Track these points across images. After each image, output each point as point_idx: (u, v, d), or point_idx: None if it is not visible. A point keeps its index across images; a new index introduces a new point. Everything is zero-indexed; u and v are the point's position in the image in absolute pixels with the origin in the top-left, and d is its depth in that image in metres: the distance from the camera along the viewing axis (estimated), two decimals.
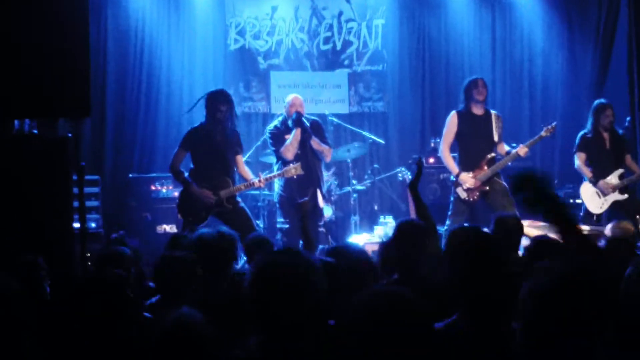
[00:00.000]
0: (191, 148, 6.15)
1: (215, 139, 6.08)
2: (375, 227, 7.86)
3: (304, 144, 6.53)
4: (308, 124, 6.59)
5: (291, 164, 6.32)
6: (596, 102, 7.12)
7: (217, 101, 6.11)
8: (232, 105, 6.19)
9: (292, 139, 6.49)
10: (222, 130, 6.09)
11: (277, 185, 6.74)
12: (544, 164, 9.00)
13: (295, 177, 6.34)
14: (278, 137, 6.60)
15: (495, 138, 6.60)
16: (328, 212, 7.21)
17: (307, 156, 6.54)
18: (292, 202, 6.45)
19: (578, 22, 9.32)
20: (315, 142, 6.58)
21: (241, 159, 6.34)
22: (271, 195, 7.33)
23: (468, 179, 6.45)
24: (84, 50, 4.34)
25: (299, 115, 6.53)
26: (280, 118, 6.81)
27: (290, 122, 6.57)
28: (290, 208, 6.52)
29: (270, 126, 6.83)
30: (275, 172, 6.48)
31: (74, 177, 4.62)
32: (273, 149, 6.67)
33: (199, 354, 2.14)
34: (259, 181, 6.22)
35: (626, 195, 6.85)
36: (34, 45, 4.19)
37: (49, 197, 4.36)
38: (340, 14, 9.28)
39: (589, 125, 7.01)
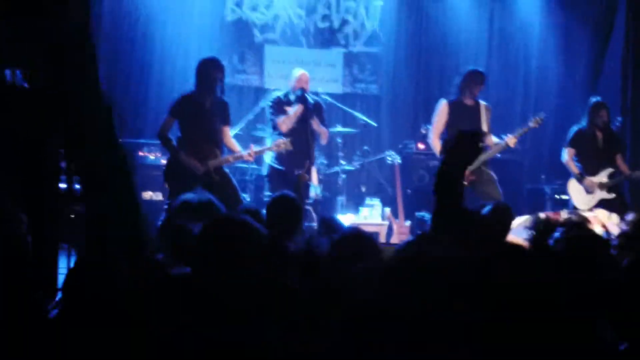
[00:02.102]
0: (180, 116, 6.04)
1: (205, 108, 6.00)
2: (361, 208, 7.86)
3: (304, 121, 6.52)
4: (312, 102, 6.60)
5: (281, 139, 6.30)
6: (593, 99, 7.13)
7: (212, 68, 6.01)
8: (224, 74, 6.12)
9: (292, 113, 6.50)
10: (212, 100, 6.03)
11: (269, 157, 6.70)
12: (533, 159, 9.02)
13: (284, 152, 6.31)
14: (279, 108, 6.62)
15: (484, 128, 6.60)
16: (316, 190, 7.19)
17: (306, 133, 6.52)
18: (284, 175, 6.44)
19: (575, 19, 9.31)
20: (315, 122, 6.59)
21: (229, 130, 6.28)
22: (259, 170, 7.30)
23: None
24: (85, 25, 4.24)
25: (303, 91, 6.53)
26: (284, 91, 6.80)
27: (293, 97, 6.57)
28: (280, 182, 6.48)
29: (273, 95, 6.85)
30: (265, 147, 6.45)
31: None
32: (271, 117, 6.67)
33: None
34: (249, 154, 6.16)
35: (614, 195, 6.89)
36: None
37: (37, 155, 4.29)
38: None
39: (584, 122, 7.03)
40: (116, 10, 8.40)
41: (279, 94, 6.81)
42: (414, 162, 8.34)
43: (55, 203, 4.43)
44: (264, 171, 6.86)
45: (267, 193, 6.67)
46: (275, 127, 6.63)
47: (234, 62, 8.93)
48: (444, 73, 9.22)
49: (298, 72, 6.76)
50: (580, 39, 9.18)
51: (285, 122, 6.50)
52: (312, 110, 6.58)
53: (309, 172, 6.59)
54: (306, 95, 6.55)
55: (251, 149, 6.18)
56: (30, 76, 4.68)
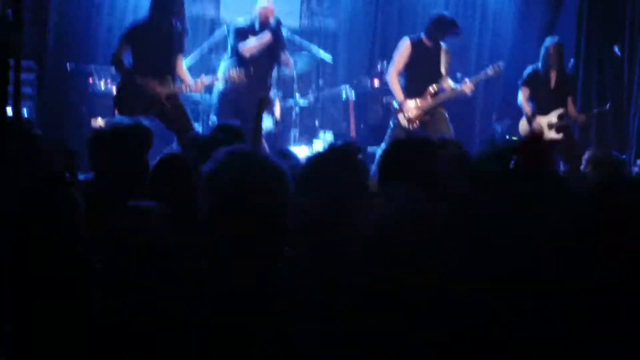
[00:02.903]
0: (133, 42, 5.93)
1: (159, 35, 5.89)
2: (314, 140, 7.88)
3: (272, 51, 6.46)
4: (284, 35, 6.59)
5: (234, 69, 6.21)
6: (548, 39, 7.17)
7: None
8: (182, 3, 6.01)
9: (260, 40, 6.44)
10: (168, 27, 5.91)
11: (221, 83, 6.58)
12: (486, 98, 9.09)
13: (248, 82, 6.24)
14: (242, 35, 6.53)
15: (442, 71, 6.63)
16: (268, 122, 7.16)
17: (271, 63, 6.49)
18: (236, 104, 6.38)
19: None
20: (284, 54, 6.58)
21: (181, 60, 6.18)
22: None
23: (411, 108, 6.49)
24: None
25: (279, 23, 6.48)
26: (248, 21, 6.68)
27: (257, 26, 6.50)
28: (230, 109, 6.43)
29: (238, 22, 6.74)
30: (217, 75, 6.36)
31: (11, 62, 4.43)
32: (232, 43, 6.57)
33: None
34: (199, 83, 6.09)
35: (561, 135, 7.00)
36: None
37: None
38: None
39: (539, 63, 7.08)
40: None
41: (241, 23, 6.70)
42: (368, 97, 8.36)
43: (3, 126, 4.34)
44: (215, 97, 6.73)
45: (213, 118, 6.60)
46: (235, 53, 6.51)
47: None
48: (402, 10, 9.19)
49: (264, 1, 6.66)
50: None
51: (250, 49, 6.43)
52: (283, 40, 6.55)
53: (272, 103, 6.57)
54: (282, 27, 6.52)
55: (202, 79, 6.11)
56: None
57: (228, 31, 6.71)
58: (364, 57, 9.22)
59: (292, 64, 6.78)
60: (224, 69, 6.47)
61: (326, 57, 8.10)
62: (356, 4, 9.25)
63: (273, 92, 7.29)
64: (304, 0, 9.11)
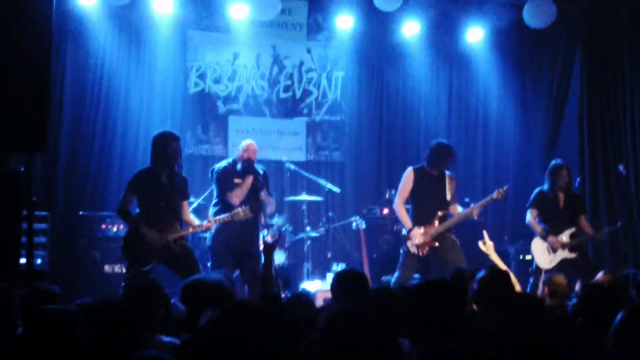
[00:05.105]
0: (138, 191, 5.98)
1: (162, 182, 5.97)
2: (327, 274, 7.83)
3: (254, 192, 6.42)
4: (260, 172, 6.49)
5: (240, 207, 6.20)
6: (553, 162, 7.26)
7: (167, 143, 5.97)
8: (180, 148, 6.07)
9: (244, 185, 6.33)
10: (170, 174, 6.01)
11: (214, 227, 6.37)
12: (496, 220, 9.12)
13: (240, 221, 6.21)
14: (226, 179, 6.40)
15: (448, 197, 6.68)
16: (280, 257, 7.16)
17: (256, 204, 6.42)
18: (228, 248, 6.32)
19: (532, 83, 9.57)
20: (264, 193, 6.45)
21: (187, 205, 6.24)
22: None
23: (419, 235, 6.51)
24: (45, 83, 4.27)
25: (250, 161, 6.38)
26: (230, 160, 6.59)
27: (239, 167, 6.41)
28: (225, 255, 6.36)
29: (219, 165, 6.58)
30: (224, 215, 6.20)
31: (24, 213, 4.51)
32: (217, 189, 6.44)
33: None
34: (209, 222, 6.11)
35: (575, 254, 6.96)
36: None
37: None
38: (301, 64, 9.39)
39: (545, 185, 7.15)
40: (78, 84, 8.43)
41: (224, 164, 6.57)
42: (378, 226, 8.39)
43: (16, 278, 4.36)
44: (208, 242, 6.54)
45: (209, 265, 6.44)
46: (220, 201, 6.40)
47: (197, 132, 8.99)
48: (405, 138, 9.43)
49: (245, 142, 6.55)
50: (536, 101, 9.43)
51: (237, 195, 6.32)
52: (261, 180, 6.51)
53: (281, 241, 6.48)
54: (256, 166, 6.43)
55: (209, 219, 6.14)
56: None
57: (211, 176, 6.56)
58: (371, 187, 9.35)
59: (274, 203, 6.64)
60: (213, 216, 6.34)
61: (334, 188, 8.21)
62: (360, 135, 9.49)
63: (282, 229, 7.28)
64: (310, 135, 9.34)
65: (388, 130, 9.53)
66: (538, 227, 7.09)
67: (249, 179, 6.36)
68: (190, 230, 6.11)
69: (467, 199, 7.71)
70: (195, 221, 6.13)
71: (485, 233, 6.05)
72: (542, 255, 7.03)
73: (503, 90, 9.64)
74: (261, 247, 6.06)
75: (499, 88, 9.65)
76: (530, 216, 7.15)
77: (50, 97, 4.29)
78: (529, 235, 7.30)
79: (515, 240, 8.46)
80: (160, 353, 2.57)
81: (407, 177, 6.71)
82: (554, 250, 6.98)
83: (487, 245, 5.98)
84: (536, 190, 7.21)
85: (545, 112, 9.18)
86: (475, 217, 6.60)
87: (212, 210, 6.47)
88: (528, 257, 7.49)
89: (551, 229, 7.04)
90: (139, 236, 5.88)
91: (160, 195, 5.95)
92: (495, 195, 6.67)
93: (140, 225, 5.89)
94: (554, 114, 9.03)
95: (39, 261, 7.05)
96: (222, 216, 6.20)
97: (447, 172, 6.76)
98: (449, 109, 9.71)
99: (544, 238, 7.02)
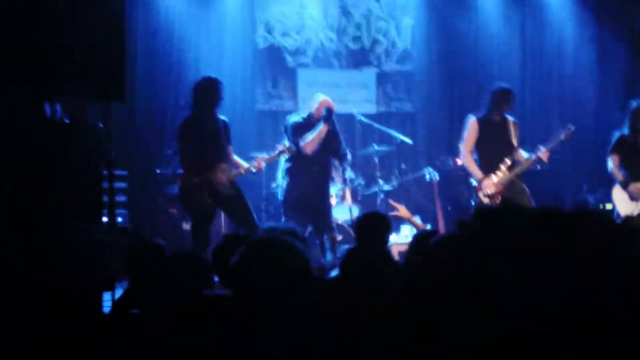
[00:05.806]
0: (187, 136, 6.01)
1: (209, 126, 5.99)
2: (402, 226, 7.81)
3: (326, 143, 6.42)
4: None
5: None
6: (633, 103, 6.97)
7: (217, 88, 6.01)
8: (222, 93, 6.08)
9: (316, 134, 6.31)
10: (213, 118, 6.03)
11: (284, 182, 6.53)
12: (574, 168, 8.89)
13: (312, 176, 6.25)
14: (299, 130, 6.41)
15: (514, 143, 6.54)
16: (355, 211, 7.16)
17: (327, 155, 6.46)
18: (301, 201, 6.36)
19: (609, 24, 9.21)
20: (339, 144, 6.47)
21: (231, 150, 6.23)
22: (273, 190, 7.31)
23: (490, 185, 6.40)
24: (120, 32, 4.24)
25: (331, 111, 6.37)
26: (305, 114, 6.57)
27: (323, 114, 6.35)
28: (297, 209, 6.40)
29: (293, 119, 6.58)
30: (273, 154, 6.23)
31: (104, 172, 4.58)
32: (291, 139, 6.42)
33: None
34: (258, 163, 6.11)
35: None
36: (69, 25, 4.08)
37: (78, 190, 4.30)
38: (369, 13, 9.23)
39: (626, 127, 6.88)
40: (150, 44, 8.53)
41: (297, 118, 6.57)
42: (452, 178, 8.28)
43: (100, 236, 4.47)
44: (280, 196, 6.65)
45: (283, 219, 6.45)
46: (295, 150, 6.38)
47: (267, 87, 9.01)
48: (479, 87, 9.17)
49: (321, 96, 6.56)
50: (614, 45, 9.08)
51: (311, 145, 6.32)
52: (338, 132, 6.50)
53: (344, 195, 6.54)
54: (333, 117, 6.41)
55: (258, 160, 6.16)
56: (72, 111, 4.75)
57: (285, 128, 6.57)
58: (443, 137, 9.21)
59: (348, 154, 6.64)
60: (285, 172, 6.45)
61: (407, 140, 8.13)
62: (431, 85, 9.34)
63: (355, 182, 7.28)
64: (380, 86, 9.24)
65: (460, 78, 9.33)
66: (619, 175, 6.85)
67: (324, 129, 6.34)
68: (242, 171, 6.13)
69: (536, 149, 7.50)
70: (243, 162, 6.18)
71: (390, 201, 6.27)
72: (624, 203, 6.80)
73: (579, 35, 9.31)
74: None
75: (575, 33, 9.32)
76: (611, 163, 6.89)
77: (124, 44, 4.25)
78: (609, 183, 7.09)
79: (594, 189, 8.23)
80: None
81: (472, 127, 6.57)
82: (635, 198, 6.75)
83: (401, 212, 5.98)
84: (616, 135, 6.93)
85: (623, 53, 8.85)
86: (545, 160, 6.45)
87: (284, 165, 6.51)
88: (609, 205, 7.26)
89: (633, 174, 6.79)
90: (195, 181, 5.93)
91: (209, 140, 5.98)
92: (562, 136, 6.49)
93: (196, 171, 5.94)
94: (632, 55, 8.70)
95: (119, 219, 7.23)
96: (270, 155, 6.21)
97: (510, 118, 6.61)
98: (523, 53, 9.44)
99: (624, 187, 6.79)
